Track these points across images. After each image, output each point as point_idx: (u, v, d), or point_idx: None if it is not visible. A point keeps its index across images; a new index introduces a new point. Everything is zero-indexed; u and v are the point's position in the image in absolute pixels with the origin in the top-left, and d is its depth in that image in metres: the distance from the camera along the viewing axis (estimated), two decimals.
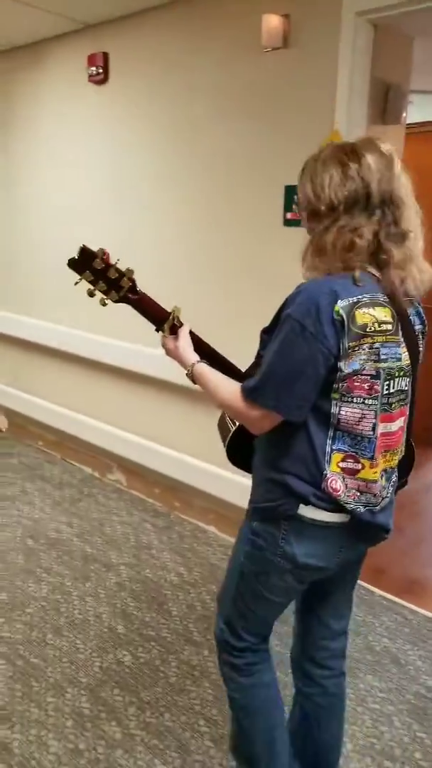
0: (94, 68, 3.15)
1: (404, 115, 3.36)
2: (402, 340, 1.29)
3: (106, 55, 3.10)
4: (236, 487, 2.67)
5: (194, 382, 1.45)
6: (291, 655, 1.67)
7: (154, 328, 1.52)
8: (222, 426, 1.63)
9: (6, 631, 2.36)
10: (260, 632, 1.54)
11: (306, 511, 1.31)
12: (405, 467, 1.48)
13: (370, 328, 1.23)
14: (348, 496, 1.30)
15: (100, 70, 3.13)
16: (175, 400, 3.19)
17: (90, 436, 3.69)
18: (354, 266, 1.24)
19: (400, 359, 1.29)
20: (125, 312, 1.53)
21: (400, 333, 1.29)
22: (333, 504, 1.30)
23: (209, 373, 1.42)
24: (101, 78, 3.14)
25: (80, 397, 3.74)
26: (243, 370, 1.53)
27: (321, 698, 1.61)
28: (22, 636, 2.34)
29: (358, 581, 2.43)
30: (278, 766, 1.58)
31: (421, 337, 1.38)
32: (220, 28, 2.62)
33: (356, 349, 1.22)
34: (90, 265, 1.42)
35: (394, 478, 1.43)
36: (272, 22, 2.38)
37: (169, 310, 1.51)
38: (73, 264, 1.43)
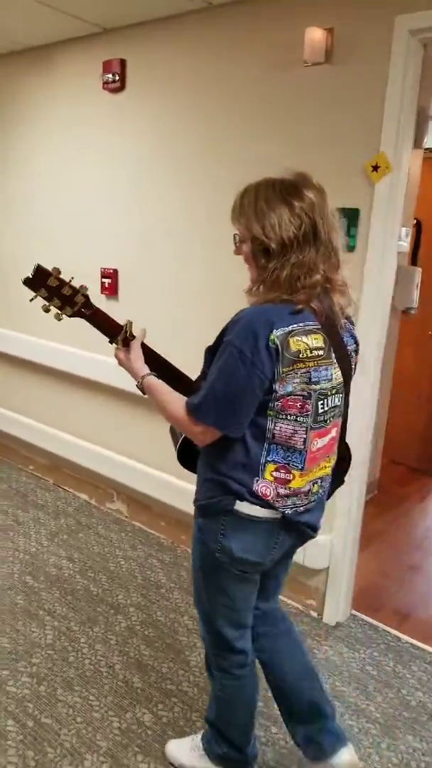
0: (110, 75, 2.98)
1: (426, 139, 3.32)
2: (334, 361, 1.43)
3: (123, 62, 2.94)
4: None
5: (144, 393, 1.56)
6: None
7: (108, 340, 1.61)
8: (173, 432, 1.72)
9: (12, 686, 2.13)
10: (240, 623, 1.63)
11: (241, 507, 1.44)
12: (341, 470, 1.65)
13: (303, 354, 1.36)
14: (276, 501, 1.44)
15: (117, 78, 2.96)
16: None
17: (87, 461, 3.48)
18: (300, 299, 1.35)
19: (331, 379, 1.44)
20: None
21: (333, 356, 1.42)
22: (264, 502, 1.44)
23: (158, 386, 1.53)
24: (117, 86, 2.98)
25: (76, 419, 3.53)
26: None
27: (269, 642, 1.75)
28: (30, 691, 2.12)
29: (385, 627, 2.57)
30: (249, 746, 1.74)
31: (354, 355, 1.53)
32: (255, 38, 2.48)
33: (290, 373, 1.35)
34: (45, 282, 1.52)
35: (325, 483, 1.57)
36: (315, 35, 2.26)
37: (122, 324, 1.60)
38: (28, 282, 1.52)
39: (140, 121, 2.94)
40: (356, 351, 1.54)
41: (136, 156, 2.98)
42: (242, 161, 2.60)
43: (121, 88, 2.98)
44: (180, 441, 1.65)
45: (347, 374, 1.49)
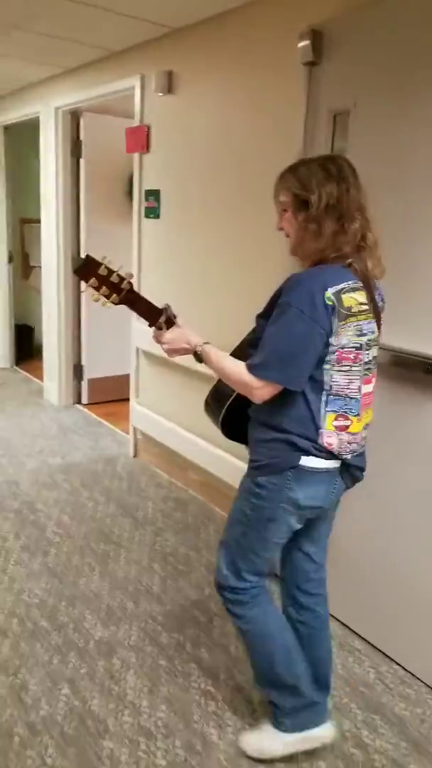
0: None
1: None
2: (373, 316, 1.58)
3: None
4: None
5: (201, 361, 1.66)
6: (281, 590, 1.90)
7: (148, 324, 1.71)
8: (211, 407, 1.83)
9: None
10: (262, 571, 1.75)
11: (307, 461, 1.57)
12: None
13: (354, 309, 1.51)
14: (341, 448, 1.59)
15: None
16: None
17: None
18: (346, 253, 1.51)
19: (374, 332, 1.60)
20: None
21: (372, 311, 1.58)
22: (328, 453, 1.58)
23: (215, 352, 1.64)
24: None
25: None
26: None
27: (314, 621, 1.85)
28: None
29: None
30: (301, 681, 1.78)
31: (382, 311, 1.67)
32: None
33: (344, 326, 1.50)
34: (96, 272, 1.62)
35: (369, 429, 1.69)
36: None
37: (161, 307, 1.70)
38: (79, 272, 1.65)
39: None
40: (383, 308, 1.67)
41: None
42: None
43: None
44: (225, 408, 1.75)
45: (379, 328, 1.63)
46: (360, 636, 2.37)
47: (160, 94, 3.29)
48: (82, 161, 4.43)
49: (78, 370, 4.80)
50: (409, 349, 2.05)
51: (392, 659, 2.26)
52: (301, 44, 2.27)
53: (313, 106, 2.32)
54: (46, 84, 4.44)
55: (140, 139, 3.50)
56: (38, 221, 4.84)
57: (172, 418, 3.52)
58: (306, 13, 2.36)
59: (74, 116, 4.37)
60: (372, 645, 2.32)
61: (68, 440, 4.12)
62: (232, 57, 2.85)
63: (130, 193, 4.43)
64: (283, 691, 1.77)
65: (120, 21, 3.01)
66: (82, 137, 4.40)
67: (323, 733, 1.82)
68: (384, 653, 2.28)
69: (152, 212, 3.51)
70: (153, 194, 3.48)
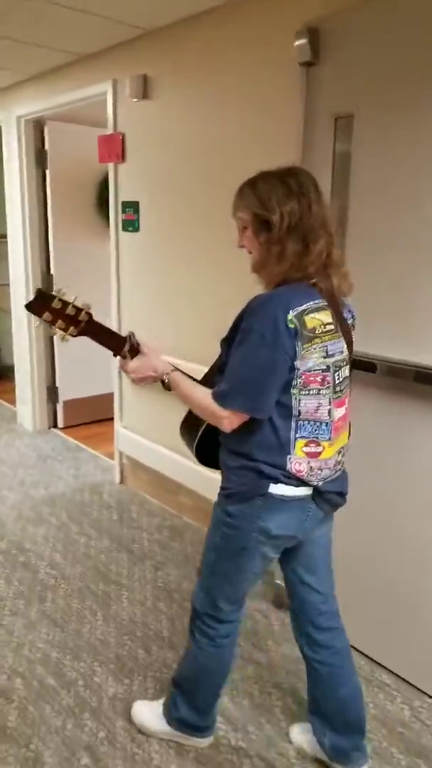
0: None
1: None
2: (341, 334, 1.52)
3: None
4: None
5: (169, 389, 1.59)
6: (293, 628, 1.81)
7: (112, 354, 1.62)
8: (186, 431, 1.74)
9: None
10: (237, 600, 1.70)
11: (276, 489, 1.51)
12: None
13: (318, 330, 1.44)
14: (311, 475, 1.51)
15: None
16: None
17: None
18: (310, 274, 1.45)
19: (343, 352, 1.53)
20: None
21: (340, 329, 1.51)
22: (298, 481, 1.51)
23: (182, 380, 1.58)
24: None
25: None
26: None
27: (332, 658, 1.74)
28: None
29: None
30: (210, 709, 1.83)
31: (352, 329, 1.60)
32: None
33: (309, 349, 1.44)
34: (49, 306, 1.53)
35: (345, 452, 1.62)
36: None
37: (124, 335, 1.61)
38: (30, 307, 1.54)
39: None
40: (353, 325, 1.61)
41: None
42: None
43: None
44: (198, 436, 1.67)
45: (350, 347, 1.57)
46: (387, 668, 2.23)
47: (135, 99, 3.11)
48: (47, 172, 4.21)
49: (52, 392, 4.55)
50: (400, 358, 1.98)
51: (423, 692, 2.13)
52: (298, 43, 2.13)
53: (311, 109, 2.18)
54: (8, 92, 4.20)
55: (115, 148, 3.31)
56: (4, 236, 4.58)
57: (159, 440, 3.34)
58: (301, 9, 2.23)
59: (38, 125, 4.15)
60: (401, 677, 2.19)
61: (49, 468, 3.88)
62: (215, 59, 2.69)
63: (99, 204, 4.25)
64: (191, 708, 1.82)
65: (90, 22, 2.82)
66: (47, 147, 4.17)
67: (202, 743, 1.87)
68: (414, 686, 2.16)
69: (131, 225, 3.32)
70: (131, 206, 3.30)
